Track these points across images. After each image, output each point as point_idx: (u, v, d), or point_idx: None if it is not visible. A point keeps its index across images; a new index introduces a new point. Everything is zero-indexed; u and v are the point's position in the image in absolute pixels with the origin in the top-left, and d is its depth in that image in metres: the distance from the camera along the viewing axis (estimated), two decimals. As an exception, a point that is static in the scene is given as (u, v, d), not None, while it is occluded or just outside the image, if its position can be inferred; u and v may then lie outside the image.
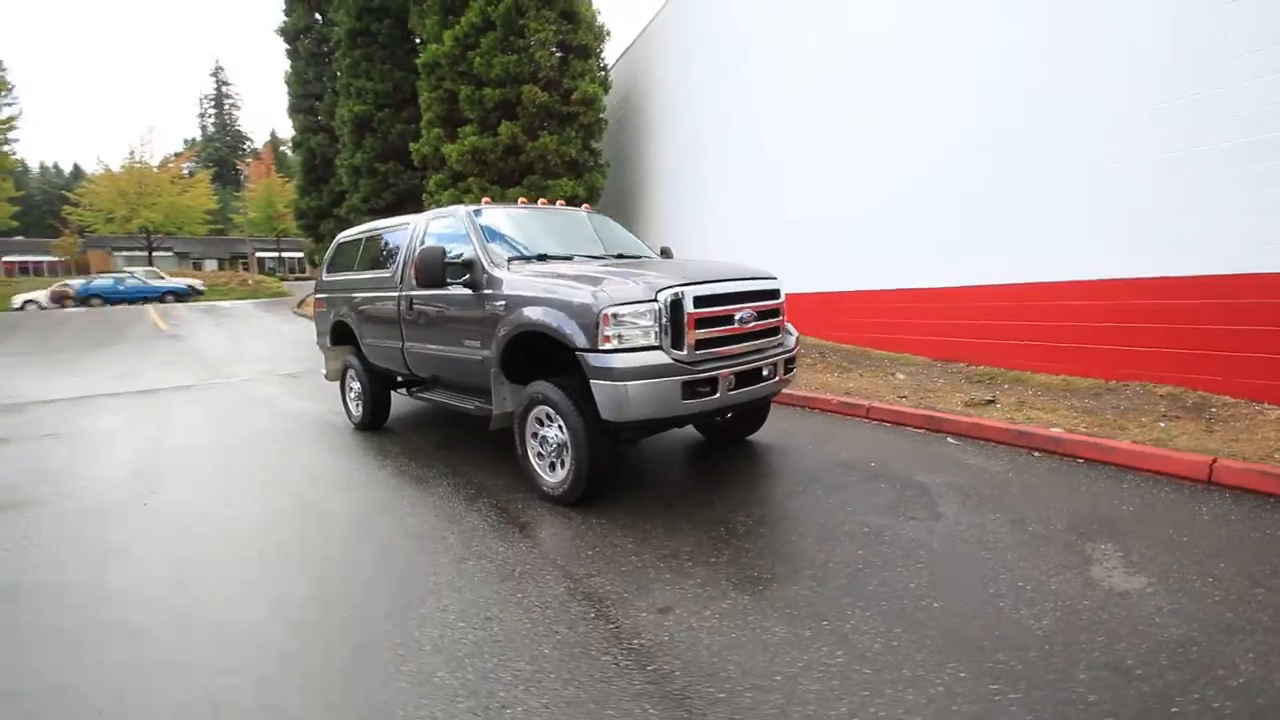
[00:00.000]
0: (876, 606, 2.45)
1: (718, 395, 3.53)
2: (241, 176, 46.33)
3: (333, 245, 6.67)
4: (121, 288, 23.82)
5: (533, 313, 3.71)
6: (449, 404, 4.73)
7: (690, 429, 5.07)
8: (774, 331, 4.05)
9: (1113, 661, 2.06)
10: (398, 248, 5.33)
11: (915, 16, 7.05)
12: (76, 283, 24.27)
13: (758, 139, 9.81)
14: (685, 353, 3.47)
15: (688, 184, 12.07)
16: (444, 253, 4.18)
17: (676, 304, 3.46)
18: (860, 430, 5.11)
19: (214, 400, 7.47)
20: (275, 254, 46.50)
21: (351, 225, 17.09)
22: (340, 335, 6.32)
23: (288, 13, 18.72)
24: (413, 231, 5.15)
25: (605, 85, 13.07)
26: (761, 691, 1.98)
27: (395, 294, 5.14)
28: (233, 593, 2.80)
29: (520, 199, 5.05)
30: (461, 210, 4.69)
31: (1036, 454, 4.21)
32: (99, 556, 3.18)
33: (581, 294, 3.49)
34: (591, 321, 3.38)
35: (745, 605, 2.50)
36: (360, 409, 5.91)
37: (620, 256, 4.78)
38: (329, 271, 6.58)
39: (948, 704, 1.89)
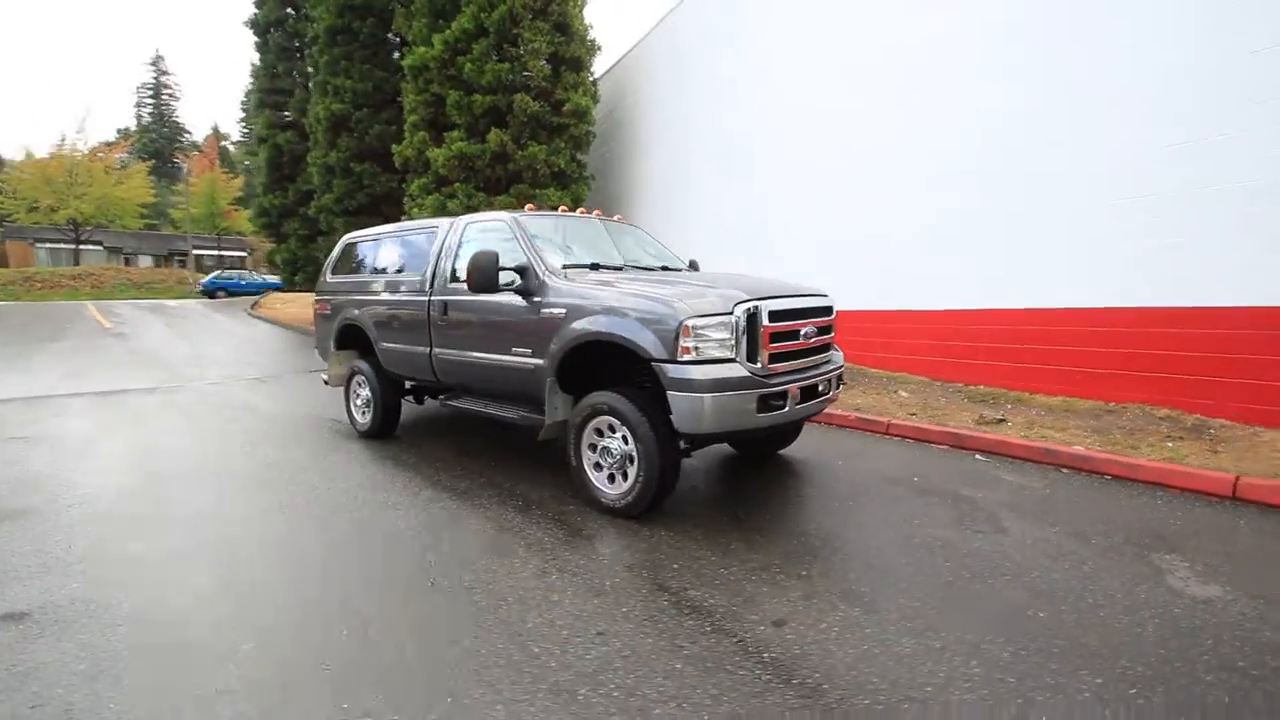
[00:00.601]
0: (987, 617, 2.52)
1: (786, 409, 3.57)
2: (182, 170, 43.92)
3: (340, 247, 6.42)
4: (243, 282, 30.65)
5: (600, 322, 3.66)
6: (486, 413, 4.60)
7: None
8: (828, 347, 4.15)
9: (1226, 664, 2.19)
10: (425, 251, 5.18)
11: (925, 50, 7.41)
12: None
13: (752, 160, 10.04)
14: (759, 366, 3.50)
15: (676, 200, 12.22)
16: (497, 258, 4.09)
17: (753, 318, 3.50)
18: (884, 446, 5.25)
19: (187, 405, 7.02)
20: (215, 252, 44.17)
21: (321, 226, 16.57)
22: (346, 339, 6.08)
23: (258, 4, 17.97)
24: (445, 235, 5.02)
25: (595, 98, 13.14)
26: (917, 704, 2.00)
27: (422, 298, 4.99)
28: (323, 612, 2.63)
29: (561, 206, 4.98)
30: (507, 216, 4.60)
31: (1065, 470, 4.43)
32: (146, 572, 2.93)
33: (660, 305, 3.47)
34: (671, 333, 3.37)
35: (858, 618, 2.52)
36: (369, 416, 5.68)
37: (665, 269, 4.79)
38: (334, 274, 6.33)
39: (1100, 709, 1.96)
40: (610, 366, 4.05)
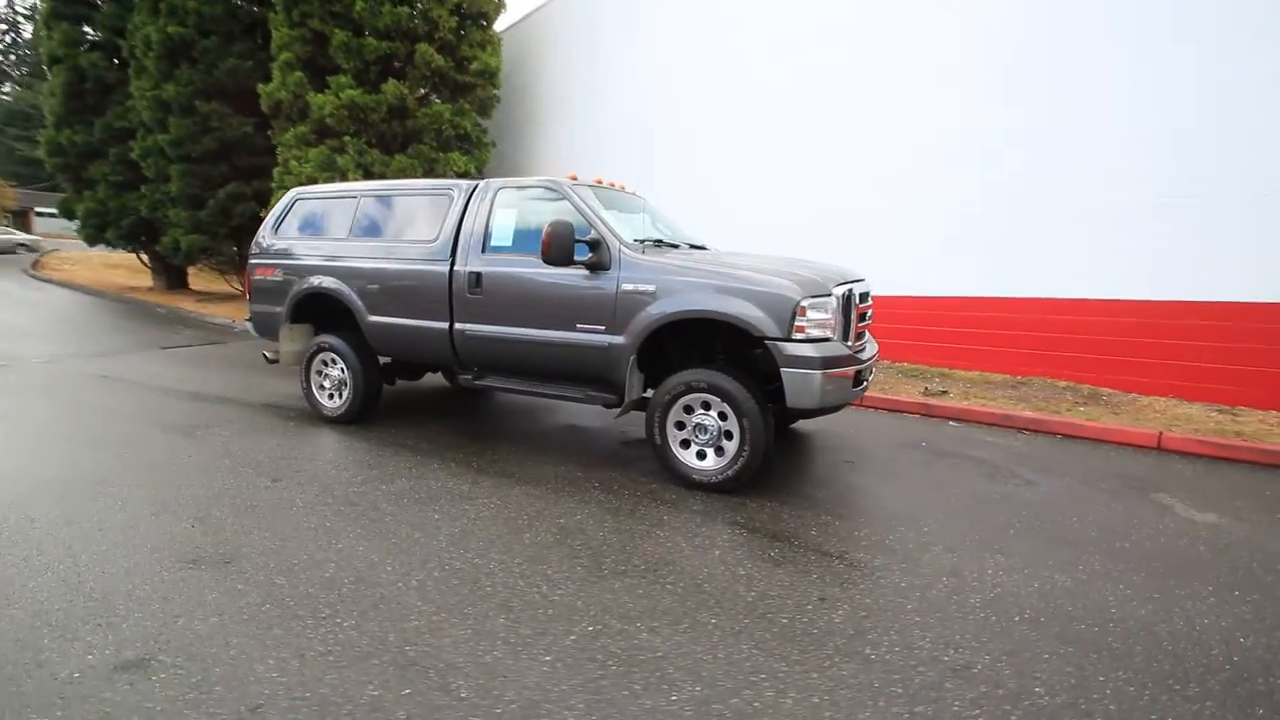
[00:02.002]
0: (1092, 550, 3.04)
1: (864, 385, 3.89)
2: None
3: (287, 202, 5.49)
4: None
5: (705, 300, 3.65)
6: (534, 393, 4.32)
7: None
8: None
9: (1269, 565, 2.92)
10: (435, 215, 4.66)
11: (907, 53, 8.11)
12: None
13: (695, 141, 10.18)
14: (850, 345, 3.76)
15: (586, 176, 12.02)
16: (574, 229, 3.85)
17: (847, 299, 3.73)
18: (866, 417, 5.85)
19: (41, 387, 5.59)
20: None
21: (146, 171, 13.54)
22: (304, 311, 5.26)
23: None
24: (468, 199, 4.55)
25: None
26: (1121, 623, 2.41)
27: (438, 267, 4.50)
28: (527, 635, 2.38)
29: (597, 179, 4.71)
30: (564, 182, 4.31)
31: (1025, 432, 5.33)
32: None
33: (774, 285, 3.56)
34: (788, 312, 3.48)
35: (1016, 562, 2.90)
36: (345, 399, 5.01)
37: (695, 247, 4.83)
38: (281, 234, 5.40)
39: (1228, 610, 2.53)
40: (684, 346, 4.06)
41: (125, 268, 19.13)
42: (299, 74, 10.90)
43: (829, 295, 3.59)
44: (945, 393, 6.49)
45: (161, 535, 2.94)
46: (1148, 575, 2.82)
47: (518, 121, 13.42)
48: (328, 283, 5.01)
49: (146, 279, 16.38)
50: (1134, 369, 6.26)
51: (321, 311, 5.27)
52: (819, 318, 3.56)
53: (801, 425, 5.31)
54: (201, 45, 11.75)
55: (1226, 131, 5.71)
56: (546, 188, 4.35)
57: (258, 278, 5.47)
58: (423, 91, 11.66)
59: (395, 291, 4.73)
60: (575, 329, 4.05)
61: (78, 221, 14.76)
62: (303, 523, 3.12)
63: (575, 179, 4.47)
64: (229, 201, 12.47)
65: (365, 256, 4.88)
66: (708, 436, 3.75)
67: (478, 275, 4.34)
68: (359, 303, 4.87)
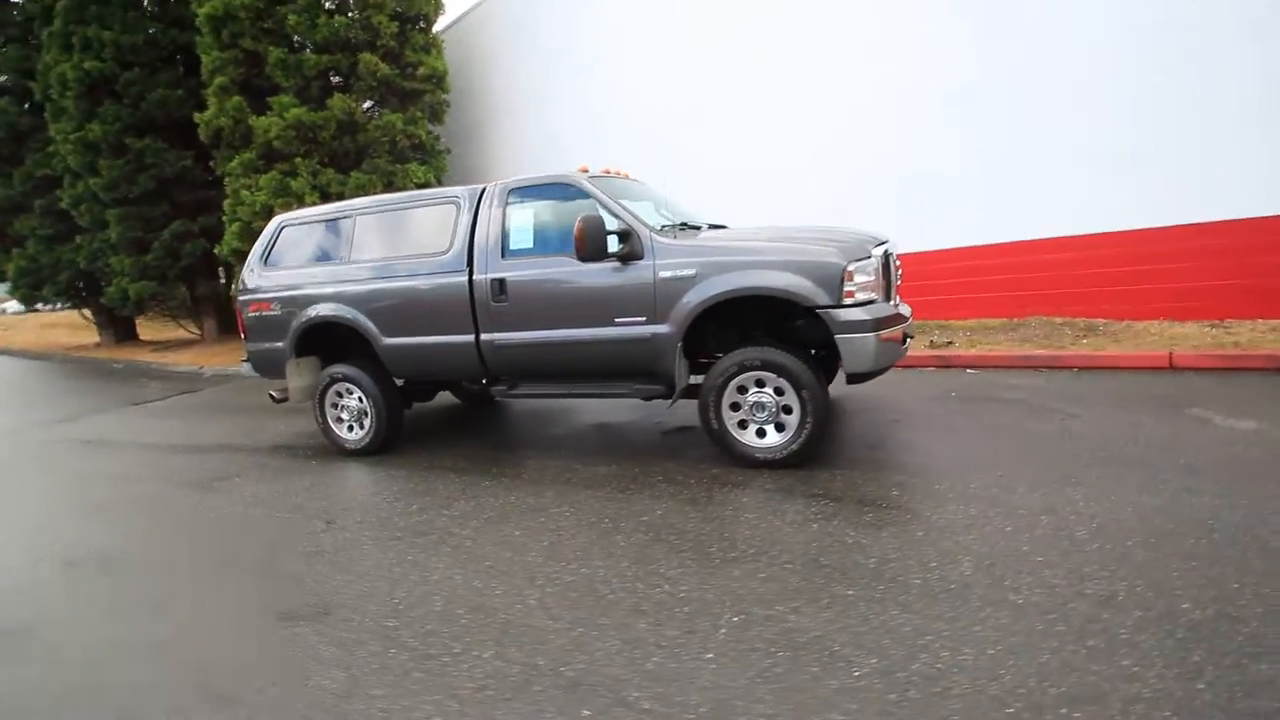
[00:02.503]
0: (1162, 469, 3.14)
1: (908, 344, 3.93)
2: None
3: (273, 231, 5.21)
4: None
5: (746, 277, 3.60)
6: (575, 395, 4.22)
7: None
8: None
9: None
10: (444, 225, 4.48)
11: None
12: None
13: (678, 134, 10.03)
14: (892, 305, 3.78)
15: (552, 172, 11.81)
16: (604, 222, 3.75)
17: (886, 259, 3.74)
18: (886, 376, 5.90)
19: (19, 459, 5.21)
20: None
21: (79, 220, 12.65)
22: (309, 344, 5.01)
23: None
24: (477, 204, 4.38)
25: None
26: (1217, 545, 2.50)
27: (456, 278, 4.33)
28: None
29: (605, 168, 4.57)
30: (576, 175, 4.18)
31: (1044, 370, 5.49)
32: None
33: (818, 252, 3.54)
34: (836, 279, 3.47)
35: (1099, 491, 2.97)
36: (368, 429, 4.81)
37: (714, 227, 4.77)
38: (272, 265, 5.12)
39: (1257, 489, 2.66)
40: (717, 329, 4.01)
41: (65, 326, 18.02)
42: (237, 98, 10.36)
43: (870, 258, 3.60)
44: (950, 343, 6.64)
45: (237, 594, 2.75)
46: (1222, 484, 2.93)
47: (467, 126, 13.06)
48: (334, 310, 4.77)
49: (91, 335, 15.44)
50: (1123, 298, 6.51)
51: (327, 341, 5.04)
52: (865, 280, 3.56)
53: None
54: (124, 79, 11.03)
55: (1189, 57, 5.95)
56: (562, 184, 4.22)
57: (252, 315, 5.17)
58: (369, 103, 11.24)
59: (410, 310, 4.54)
60: (614, 323, 3.95)
61: (8, 283, 13.78)
62: (382, 560, 2.96)
63: (586, 171, 4.36)
64: (175, 241, 11.81)
65: (372, 277, 4.66)
66: (766, 414, 3.72)
67: (500, 282, 4.20)
68: (371, 326, 4.65)
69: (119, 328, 14.49)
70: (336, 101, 10.33)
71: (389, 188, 10.92)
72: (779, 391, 3.67)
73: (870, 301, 3.57)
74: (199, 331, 13.64)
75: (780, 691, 1.83)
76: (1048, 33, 6.65)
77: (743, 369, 3.69)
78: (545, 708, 1.85)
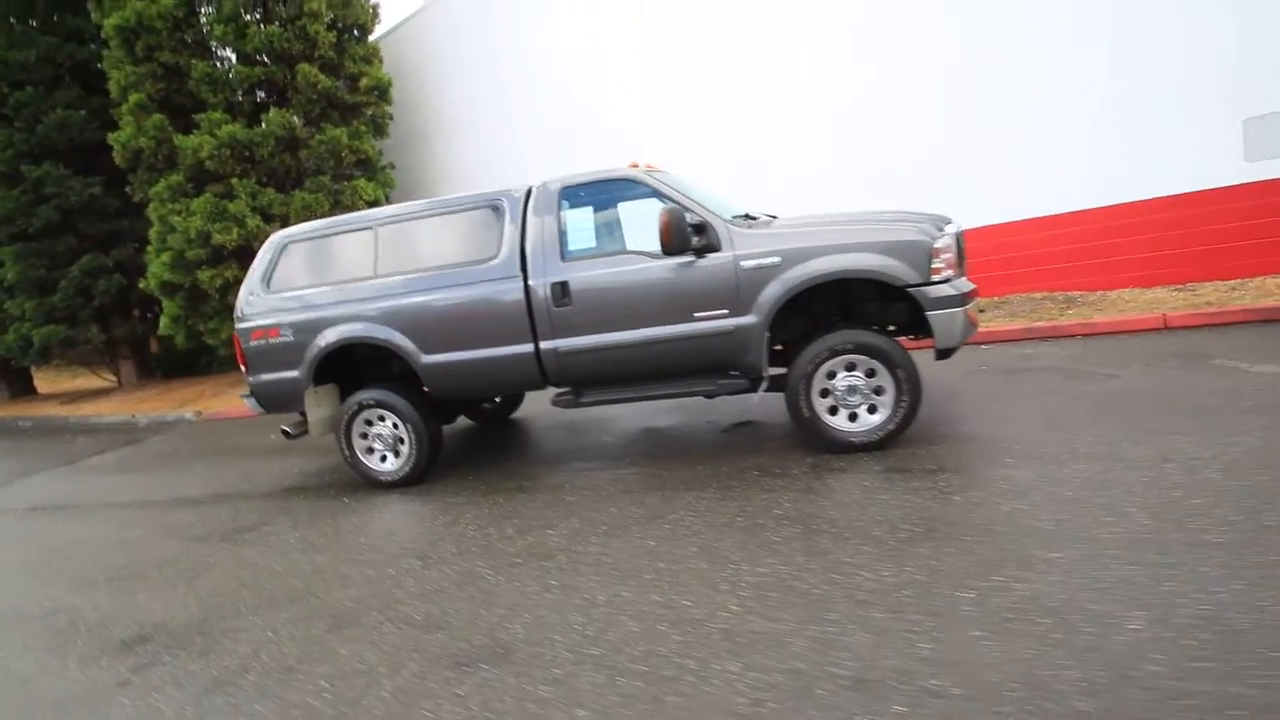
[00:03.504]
0: (1232, 414, 3.37)
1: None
2: None
3: (274, 250, 4.72)
4: None
5: (835, 261, 3.59)
6: (650, 397, 4.04)
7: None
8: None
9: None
10: (484, 230, 4.20)
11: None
12: None
13: (615, 132, 9.98)
14: (967, 281, 3.88)
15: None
16: (685, 214, 3.63)
17: (959, 238, 3.84)
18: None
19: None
20: None
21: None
22: (327, 370, 4.56)
23: None
24: (526, 205, 4.13)
25: (384, 74, 11.40)
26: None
27: (509, 284, 4.06)
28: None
29: (631, 163, 4.40)
30: (634, 170, 4.03)
31: (1047, 340, 5.84)
32: None
33: (904, 230, 3.60)
34: (924, 256, 3.53)
35: (1193, 439, 3.15)
36: (406, 457, 4.42)
37: (770, 217, 4.73)
38: (279, 288, 4.63)
39: None
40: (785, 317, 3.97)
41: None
42: (158, 116, 9.41)
43: (946, 234, 3.69)
44: (947, 323, 6.94)
45: (381, 650, 2.40)
46: (1234, 417, 3.21)
47: (408, 139, 12.45)
48: (361, 330, 4.35)
49: (-29, 393, 13.44)
50: (1092, 270, 7.07)
51: (342, 368, 4.61)
52: (948, 257, 3.63)
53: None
54: (14, 99, 9.72)
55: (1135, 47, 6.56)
56: (622, 179, 4.06)
57: (255, 343, 4.63)
58: (301, 119, 10.50)
59: (455, 323, 4.21)
60: (693, 319, 3.83)
61: None
62: (524, 590, 2.69)
63: (635, 166, 4.22)
64: (86, 278, 10.51)
65: (406, 292, 4.29)
66: (858, 397, 3.72)
67: (563, 285, 3.97)
68: (408, 345, 4.28)
69: (14, 381, 12.70)
70: (274, 116, 9.60)
71: (336, 206, 10.27)
72: (870, 373, 3.68)
73: (952, 279, 3.66)
74: (115, 378, 12.18)
75: (1075, 654, 1.79)
76: (989, 19, 7.16)
77: (834, 353, 3.66)
78: (848, 710, 1.72)
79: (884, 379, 3.64)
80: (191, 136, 9.27)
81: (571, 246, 4.05)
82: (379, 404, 4.40)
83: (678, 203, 3.86)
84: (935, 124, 7.56)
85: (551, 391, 4.34)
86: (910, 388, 3.60)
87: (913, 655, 1.90)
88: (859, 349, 3.63)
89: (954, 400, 4.54)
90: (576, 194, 4.14)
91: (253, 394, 4.77)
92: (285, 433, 4.72)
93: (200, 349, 12.27)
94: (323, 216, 9.88)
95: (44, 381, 13.87)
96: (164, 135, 9.36)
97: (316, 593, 2.97)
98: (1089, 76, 6.78)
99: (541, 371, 4.16)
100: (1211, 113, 6.22)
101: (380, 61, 10.92)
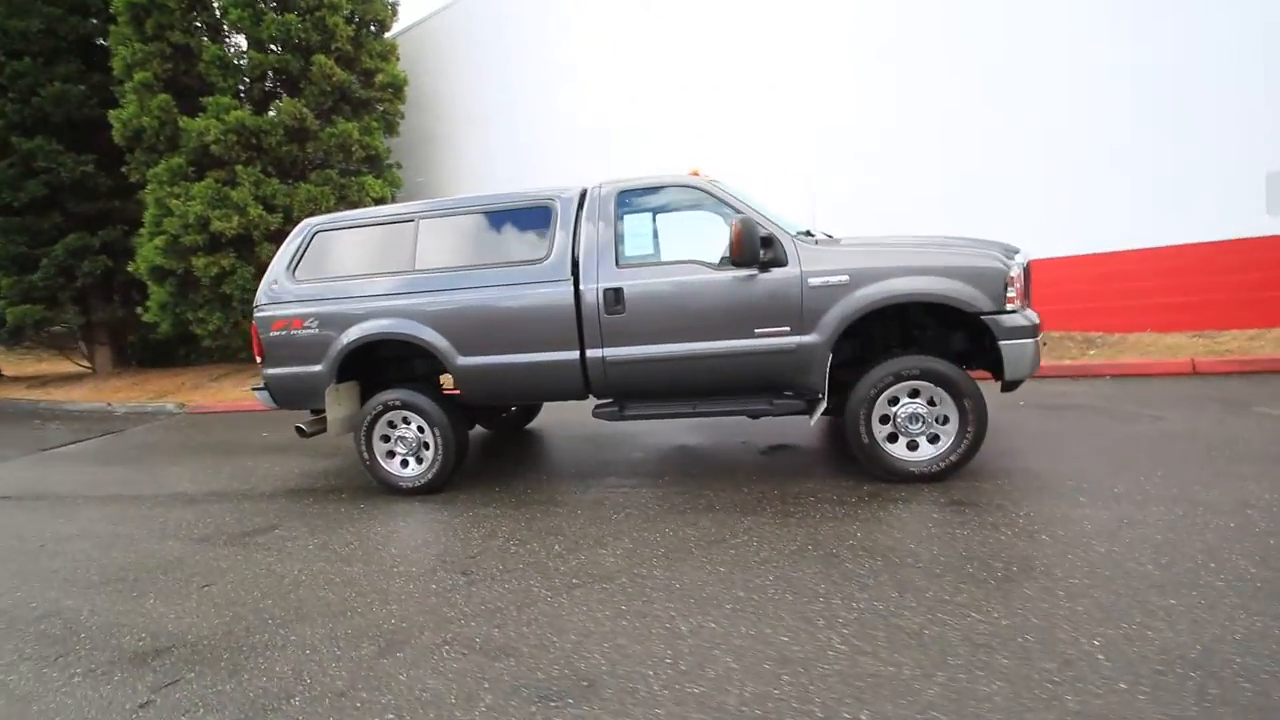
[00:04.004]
0: (1240, 461, 3.35)
1: (1037, 351, 3.98)
2: None
3: (302, 238, 4.47)
4: None
5: (908, 284, 3.47)
6: (698, 414, 3.86)
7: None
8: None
9: None
10: (538, 230, 4.02)
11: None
12: None
13: (631, 143, 9.91)
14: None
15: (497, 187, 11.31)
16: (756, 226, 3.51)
17: (1027, 268, 3.77)
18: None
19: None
20: None
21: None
22: (349, 367, 4.30)
23: None
24: (573, 208, 3.96)
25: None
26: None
27: (559, 287, 3.87)
28: None
29: (692, 171, 4.27)
30: (696, 178, 3.89)
31: (1077, 378, 5.82)
32: None
33: (981, 256, 3.50)
34: (1000, 284, 3.44)
35: (1269, 485, 3.08)
36: (431, 462, 4.17)
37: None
38: (305, 276, 4.38)
39: None
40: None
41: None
42: (164, 96, 9.08)
43: (1017, 263, 3.61)
44: (967, 356, 6.92)
45: (443, 677, 2.15)
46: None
47: (417, 138, 12.23)
48: (393, 326, 4.11)
49: (-70, 371, 12.69)
50: (1111, 313, 7.12)
51: (363, 366, 4.36)
52: (1020, 287, 3.55)
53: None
54: (11, 69, 9.30)
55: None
56: (683, 186, 3.92)
57: (276, 334, 4.36)
58: (312, 111, 10.24)
59: (497, 325, 4.00)
60: (753, 334, 3.68)
61: None
62: (592, 616, 2.46)
63: (696, 174, 4.09)
64: (70, 258, 10.00)
65: (446, 289, 4.08)
66: (920, 426, 3.59)
67: (617, 291, 3.80)
68: (444, 344, 4.05)
69: (-23, 362, 12.03)
70: (286, 106, 9.34)
71: (341, 202, 10.00)
72: (932, 401, 3.56)
73: (1024, 308, 3.57)
74: (89, 364, 11.59)
75: (1243, 712, 1.65)
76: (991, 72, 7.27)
77: (898, 378, 3.54)
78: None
79: (948, 408, 3.53)
80: (197, 119, 8.95)
81: (627, 252, 3.90)
82: (405, 405, 4.15)
83: (742, 213, 3.73)
84: (959, 155, 7.61)
85: (568, 404, 4.16)
86: (976, 419, 3.48)
87: (1062, 709, 1.73)
88: (925, 375, 3.51)
89: (1001, 435, 4.44)
90: (633, 199, 4.00)
91: (266, 387, 4.48)
92: (300, 430, 4.43)
93: (180, 339, 11.79)
94: (328, 211, 9.71)
95: (7, 364, 13.16)
96: (168, 116, 9.02)
97: (355, 608, 2.70)
98: (1114, 123, 6.90)
99: (585, 380, 3.97)
100: (1237, 165, 6.35)
101: (397, 59, 10.76)
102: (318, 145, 9.81)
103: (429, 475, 4.18)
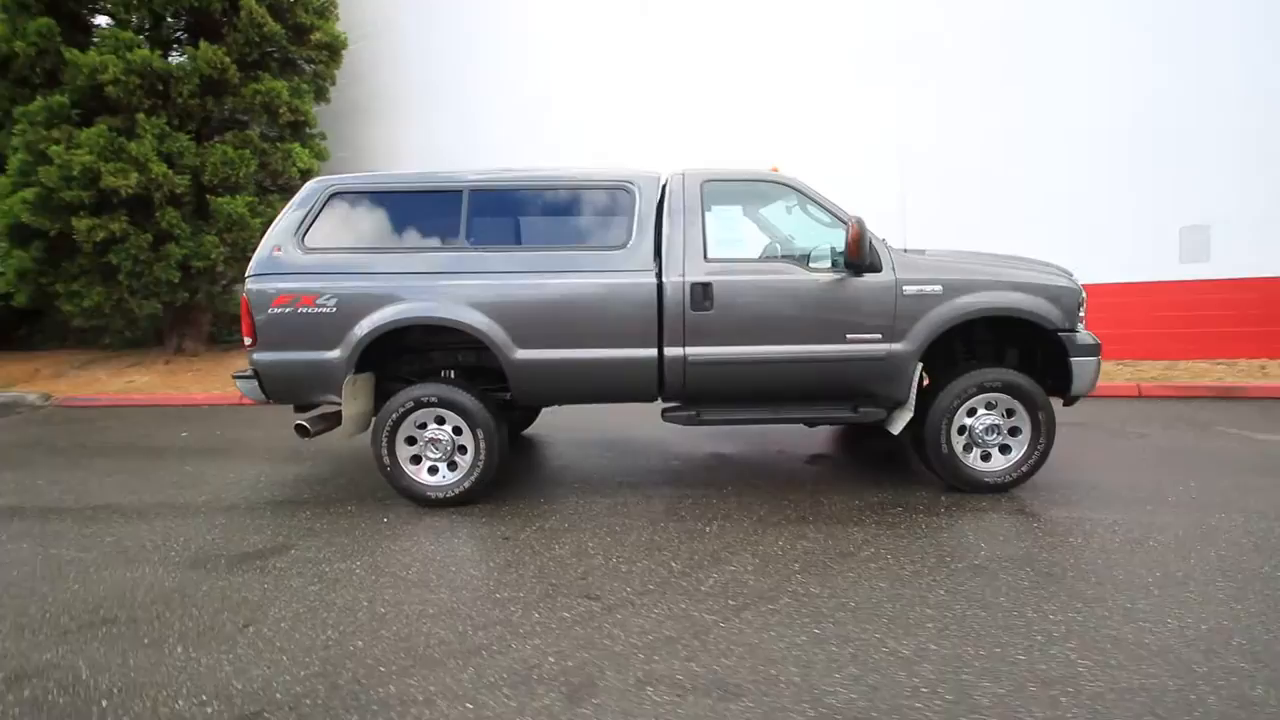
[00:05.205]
0: (1213, 478, 3.81)
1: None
2: None
3: (316, 199, 3.76)
4: None
5: (999, 298, 3.55)
6: (781, 420, 3.68)
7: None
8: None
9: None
10: (615, 215, 3.67)
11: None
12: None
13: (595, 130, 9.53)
14: (1086, 333, 4.03)
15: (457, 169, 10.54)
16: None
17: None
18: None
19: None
20: None
21: None
22: (370, 358, 3.67)
23: None
24: (655, 194, 3.65)
25: (335, 34, 10.05)
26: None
27: (641, 280, 3.55)
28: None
29: (773, 167, 4.08)
30: (785, 175, 3.72)
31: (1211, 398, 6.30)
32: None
33: (1059, 276, 3.67)
34: (1076, 303, 3.61)
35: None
36: (469, 469, 3.64)
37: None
38: (318, 245, 3.68)
39: None
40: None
41: None
42: (45, 19, 7.43)
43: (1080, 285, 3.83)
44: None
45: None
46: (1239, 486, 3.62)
47: (349, 109, 11.03)
48: (438, 310, 3.55)
49: None
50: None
51: (381, 357, 3.75)
52: (1086, 307, 3.76)
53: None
54: None
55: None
56: (772, 182, 3.75)
57: (277, 311, 3.59)
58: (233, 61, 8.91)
59: (565, 315, 3.57)
60: (845, 340, 3.58)
61: None
62: (791, 642, 2.18)
63: (777, 170, 3.93)
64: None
65: (505, 271, 3.59)
66: (994, 438, 3.67)
67: (705, 287, 3.54)
68: (501, 335, 3.55)
69: None
70: (205, 51, 8.02)
71: (262, 170, 8.79)
72: (1008, 413, 3.66)
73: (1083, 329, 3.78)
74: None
75: None
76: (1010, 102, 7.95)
77: (981, 389, 3.60)
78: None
79: (1021, 420, 3.64)
80: (90, 53, 7.41)
81: (715, 246, 3.65)
82: (442, 403, 3.59)
83: (837, 216, 3.64)
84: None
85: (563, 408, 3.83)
86: (1048, 431, 3.62)
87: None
88: (1006, 388, 3.60)
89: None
90: (718, 191, 3.77)
91: (255, 375, 3.69)
92: (302, 429, 3.68)
93: (26, 315, 9.73)
94: (247, 176, 8.46)
95: None
96: (49, 44, 7.38)
97: (483, 644, 2.21)
98: (1055, 176, 7.71)
99: (660, 381, 3.66)
100: (1156, 219, 7.32)
101: (337, 18, 9.65)
102: (238, 102, 8.51)
103: (466, 484, 3.63)
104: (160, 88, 7.86)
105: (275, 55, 9.03)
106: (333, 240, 3.71)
